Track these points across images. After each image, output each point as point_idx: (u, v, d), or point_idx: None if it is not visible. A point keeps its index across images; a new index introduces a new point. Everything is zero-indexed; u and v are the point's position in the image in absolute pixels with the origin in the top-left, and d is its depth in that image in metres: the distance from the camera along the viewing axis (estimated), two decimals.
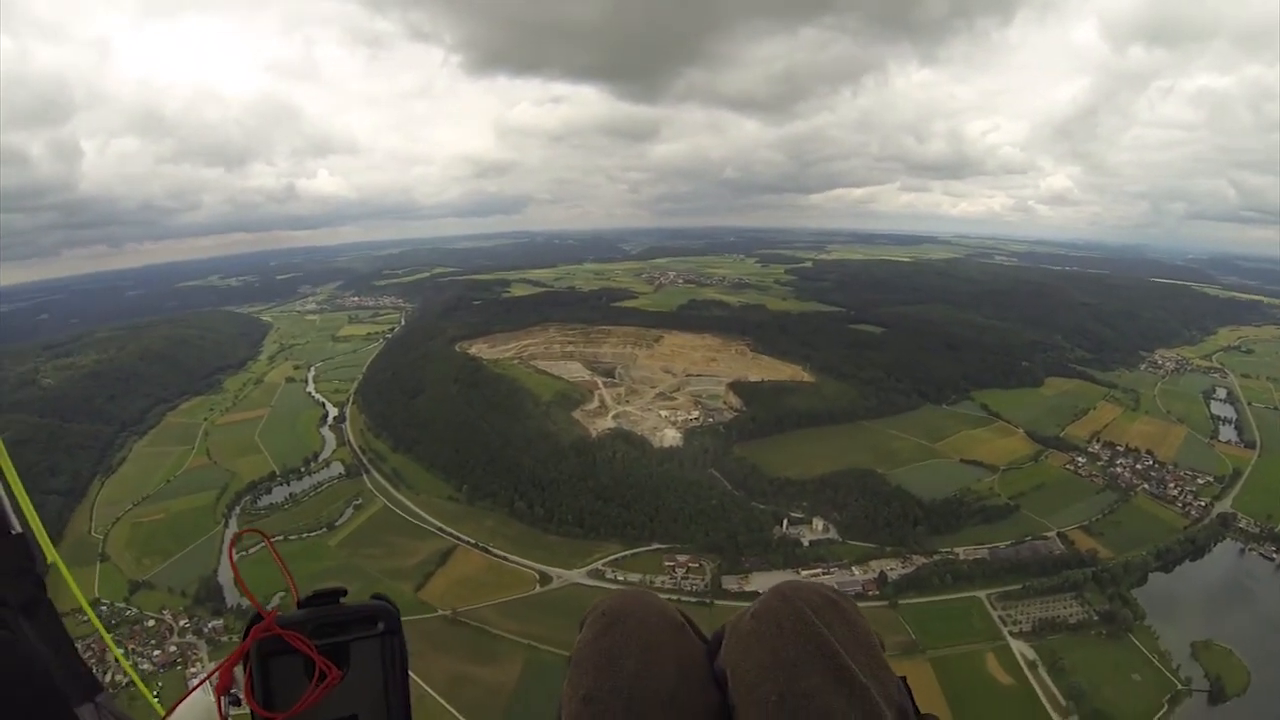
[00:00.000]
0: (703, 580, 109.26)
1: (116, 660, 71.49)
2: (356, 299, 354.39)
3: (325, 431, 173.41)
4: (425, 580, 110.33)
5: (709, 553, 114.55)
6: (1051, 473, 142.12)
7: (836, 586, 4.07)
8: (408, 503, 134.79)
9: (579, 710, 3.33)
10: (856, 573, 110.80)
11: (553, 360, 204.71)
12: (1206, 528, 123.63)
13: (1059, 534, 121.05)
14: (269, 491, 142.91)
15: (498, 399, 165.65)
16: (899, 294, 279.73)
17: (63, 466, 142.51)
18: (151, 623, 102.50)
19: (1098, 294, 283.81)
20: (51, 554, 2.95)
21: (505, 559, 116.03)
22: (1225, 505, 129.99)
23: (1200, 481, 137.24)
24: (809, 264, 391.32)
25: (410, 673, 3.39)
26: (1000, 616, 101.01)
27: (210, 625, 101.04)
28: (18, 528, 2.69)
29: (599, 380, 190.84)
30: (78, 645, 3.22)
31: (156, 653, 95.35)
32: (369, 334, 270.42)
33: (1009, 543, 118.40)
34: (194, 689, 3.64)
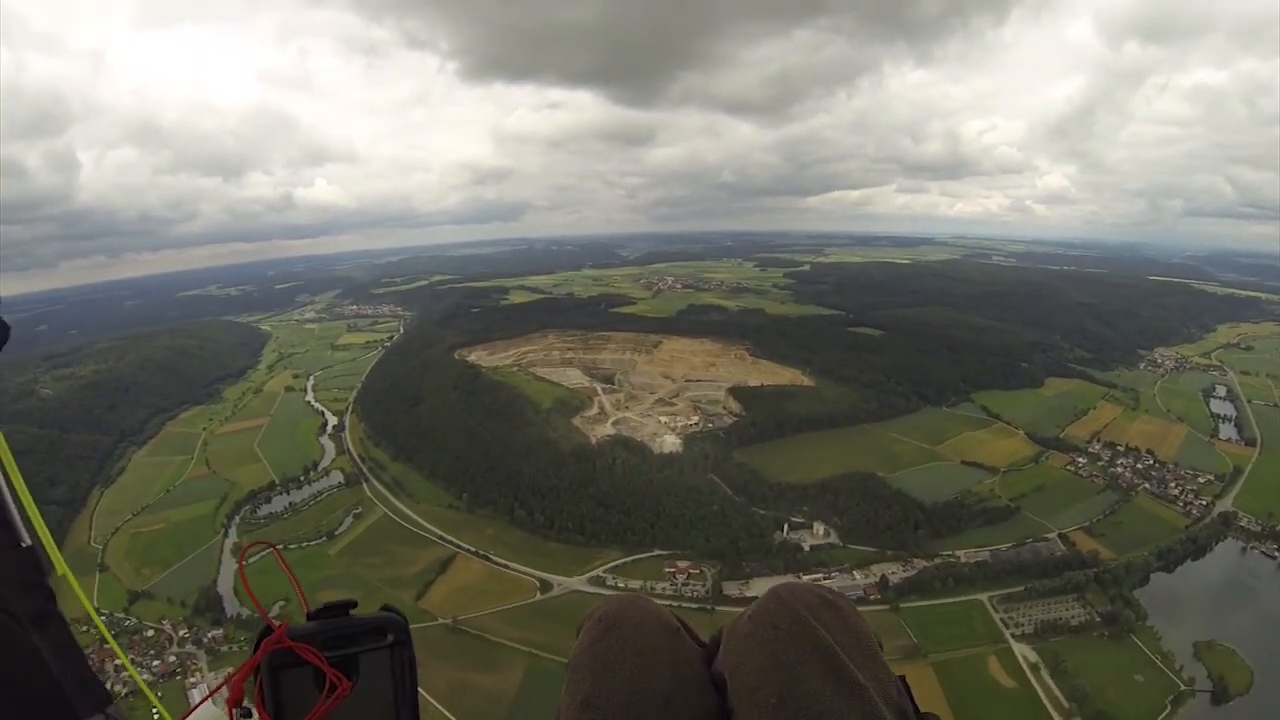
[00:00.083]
0: (704, 586, 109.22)
1: (115, 670, 71.56)
2: (355, 307, 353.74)
3: (325, 440, 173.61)
4: (426, 589, 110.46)
5: (710, 559, 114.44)
6: (1052, 474, 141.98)
7: (836, 589, 4.04)
8: (408, 511, 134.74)
9: (577, 716, 3.29)
10: (858, 577, 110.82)
11: (552, 367, 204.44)
12: (1208, 527, 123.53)
13: (1060, 535, 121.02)
14: (269, 501, 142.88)
15: (497, 406, 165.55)
16: (898, 296, 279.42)
17: (62, 477, 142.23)
18: (151, 633, 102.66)
19: (1096, 293, 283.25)
20: (61, 566, 2.93)
21: (506, 567, 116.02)
22: (1226, 504, 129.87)
23: (1201, 480, 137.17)
24: (807, 267, 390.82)
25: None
26: (1002, 619, 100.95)
27: (210, 635, 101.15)
28: (27, 540, 2.73)
29: (598, 387, 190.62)
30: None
31: (156, 663, 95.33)
32: (368, 342, 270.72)
33: (1010, 545, 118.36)
34: (204, 700, 3.62)
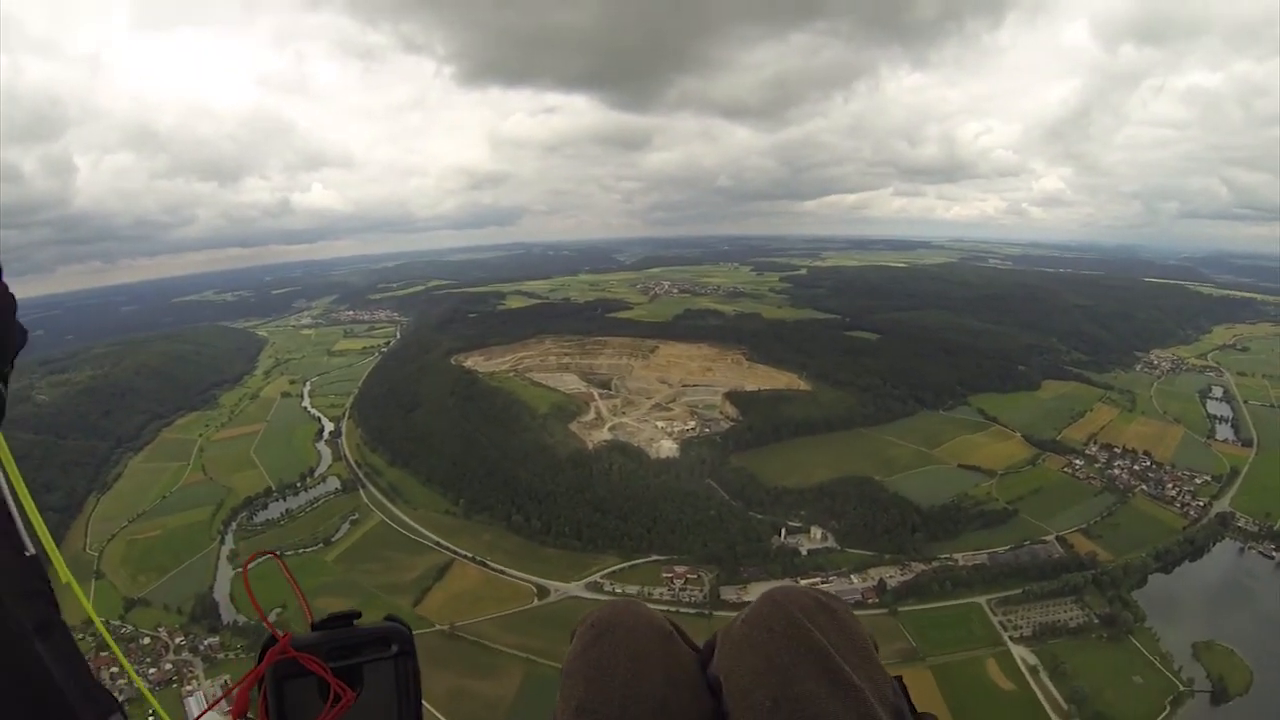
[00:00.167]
0: (701, 591, 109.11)
1: (112, 678, 71.25)
2: (352, 313, 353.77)
3: (321, 446, 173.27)
4: (423, 595, 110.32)
5: (707, 563, 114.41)
6: (1049, 476, 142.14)
7: (831, 592, 3.99)
8: (404, 517, 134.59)
9: None
10: (855, 581, 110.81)
11: (549, 372, 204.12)
12: (1205, 527, 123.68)
13: (1058, 537, 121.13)
14: (265, 507, 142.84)
15: (494, 412, 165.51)
16: (894, 300, 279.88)
17: (58, 483, 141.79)
18: (147, 640, 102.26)
19: (1092, 295, 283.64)
20: (66, 575, 2.93)
21: (503, 573, 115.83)
22: (1224, 504, 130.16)
23: (1198, 481, 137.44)
24: (804, 271, 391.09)
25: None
26: (1000, 622, 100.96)
27: (206, 642, 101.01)
28: (31, 549, 2.75)
29: (595, 392, 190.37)
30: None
31: (152, 670, 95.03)
32: (364, 348, 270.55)
33: (1008, 547, 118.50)
34: (207, 710, 3.58)
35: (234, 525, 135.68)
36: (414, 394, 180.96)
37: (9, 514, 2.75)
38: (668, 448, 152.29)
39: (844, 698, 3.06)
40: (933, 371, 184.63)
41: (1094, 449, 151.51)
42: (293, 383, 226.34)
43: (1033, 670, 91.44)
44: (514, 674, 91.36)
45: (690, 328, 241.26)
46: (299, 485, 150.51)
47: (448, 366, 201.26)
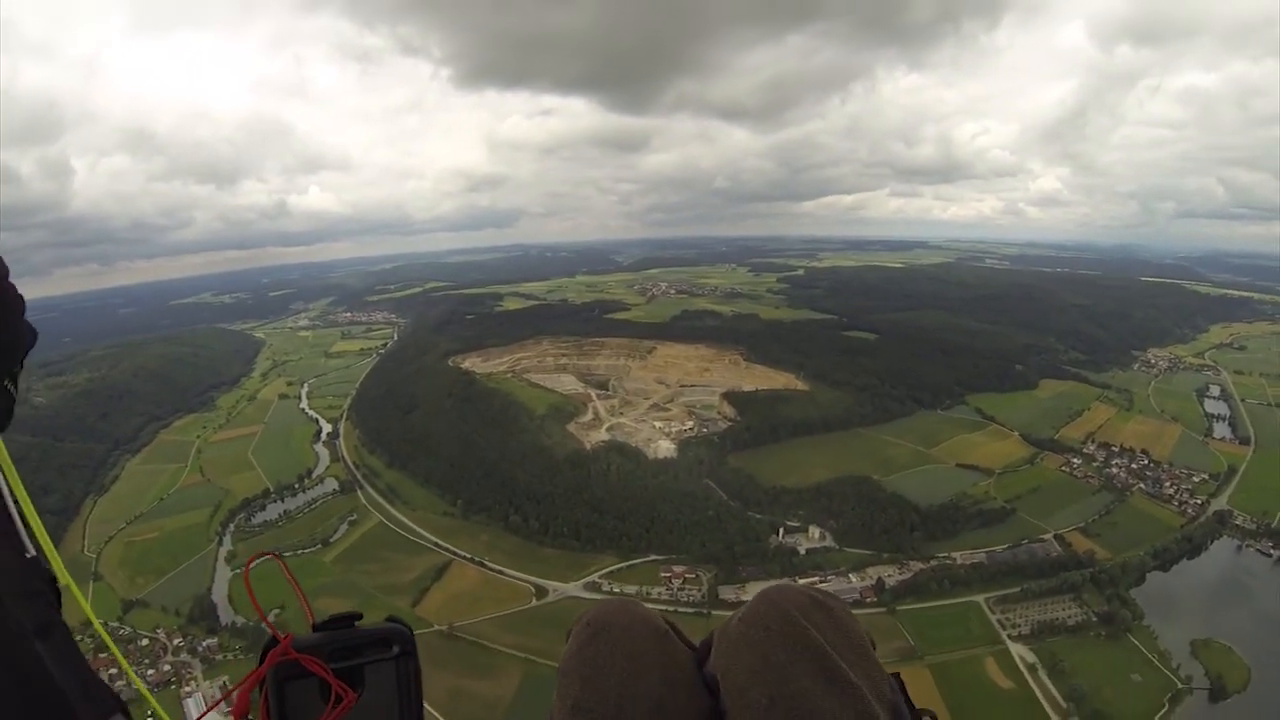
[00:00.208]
0: (700, 591, 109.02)
1: (110, 680, 71.06)
2: (349, 315, 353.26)
3: (319, 448, 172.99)
4: (421, 595, 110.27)
5: (705, 563, 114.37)
6: (1047, 475, 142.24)
7: (827, 590, 4.02)
8: (403, 518, 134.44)
9: None
10: (854, 580, 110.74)
11: (546, 373, 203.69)
12: (1203, 525, 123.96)
13: (1056, 536, 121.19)
14: (263, 509, 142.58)
15: (492, 413, 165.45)
16: (891, 300, 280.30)
17: (55, 485, 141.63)
18: (145, 641, 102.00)
19: (1090, 295, 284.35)
20: (65, 577, 2.94)
21: (501, 573, 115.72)
22: (1221, 502, 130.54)
23: (1196, 479, 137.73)
24: (801, 272, 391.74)
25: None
26: (999, 620, 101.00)
27: (205, 644, 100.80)
28: (32, 551, 2.76)
29: (593, 393, 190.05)
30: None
31: (150, 672, 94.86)
32: (362, 349, 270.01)
33: (1006, 546, 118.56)
34: (208, 710, 3.60)
35: (232, 527, 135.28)
36: (412, 395, 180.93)
37: (9, 515, 2.82)
38: (665, 448, 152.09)
39: (840, 694, 3.06)
40: (930, 371, 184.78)
41: (1092, 448, 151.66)
42: (290, 384, 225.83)
43: (1031, 668, 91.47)
44: (513, 674, 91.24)
45: (688, 328, 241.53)
46: (297, 487, 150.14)
47: (445, 368, 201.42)
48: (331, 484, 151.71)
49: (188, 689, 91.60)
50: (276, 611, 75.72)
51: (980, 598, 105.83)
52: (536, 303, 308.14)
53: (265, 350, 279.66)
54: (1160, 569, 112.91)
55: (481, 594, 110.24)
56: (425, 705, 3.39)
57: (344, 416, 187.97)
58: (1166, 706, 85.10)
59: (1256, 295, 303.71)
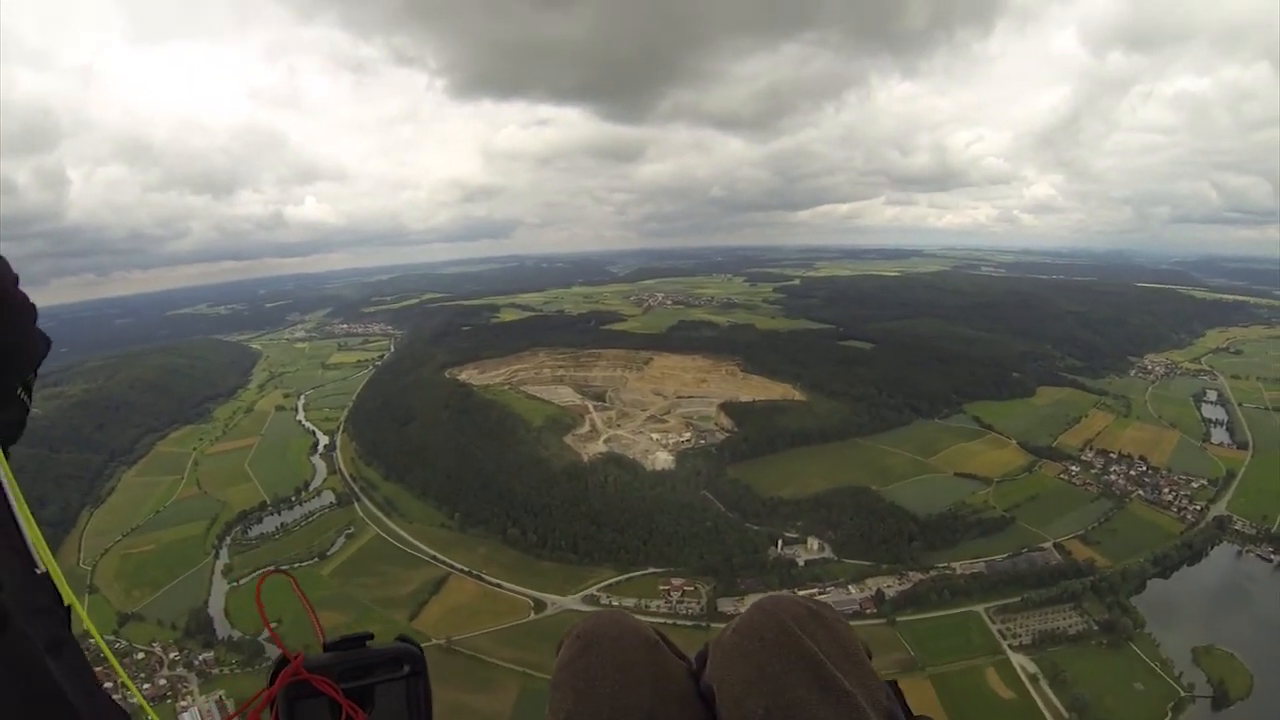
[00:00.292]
0: (698, 603, 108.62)
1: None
2: (345, 326, 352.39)
3: (316, 460, 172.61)
4: (419, 609, 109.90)
5: (704, 575, 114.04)
6: (1046, 483, 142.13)
7: (829, 603, 3.91)
8: (400, 531, 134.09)
9: None
10: (853, 591, 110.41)
11: (543, 385, 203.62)
12: (1203, 531, 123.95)
13: (1055, 544, 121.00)
14: (260, 521, 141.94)
15: (489, 425, 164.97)
16: (888, 309, 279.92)
17: (51, 497, 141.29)
18: (141, 655, 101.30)
19: (1085, 301, 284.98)
20: (69, 596, 2.97)
21: (499, 586, 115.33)
22: (1220, 508, 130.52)
23: (1195, 485, 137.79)
24: (797, 281, 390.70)
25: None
26: (999, 630, 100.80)
27: (201, 658, 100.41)
28: (42, 567, 2.79)
29: (589, 404, 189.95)
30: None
31: (146, 686, 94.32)
32: (358, 361, 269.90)
33: (1006, 555, 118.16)
34: None
35: (228, 540, 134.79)
36: (408, 407, 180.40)
37: (19, 532, 2.83)
38: (663, 460, 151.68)
39: (836, 704, 3.10)
40: (927, 380, 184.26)
41: (1090, 455, 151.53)
42: (287, 396, 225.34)
43: (1033, 678, 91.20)
44: (510, 688, 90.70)
45: (684, 339, 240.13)
46: (294, 499, 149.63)
47: (442, 380, 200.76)
48: (329, 496, 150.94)
49: (183, 703, 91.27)
50: (275, 625, 75.09)
51: (980, 608, 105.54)
52: (533, 314, 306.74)
53: (262, 362, 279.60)
54: (1161, 576, 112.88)
55: (479, 607, 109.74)
56: None
57: (341, 429, 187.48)
58: (1169, 715, 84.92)
59: (1252, 299, 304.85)
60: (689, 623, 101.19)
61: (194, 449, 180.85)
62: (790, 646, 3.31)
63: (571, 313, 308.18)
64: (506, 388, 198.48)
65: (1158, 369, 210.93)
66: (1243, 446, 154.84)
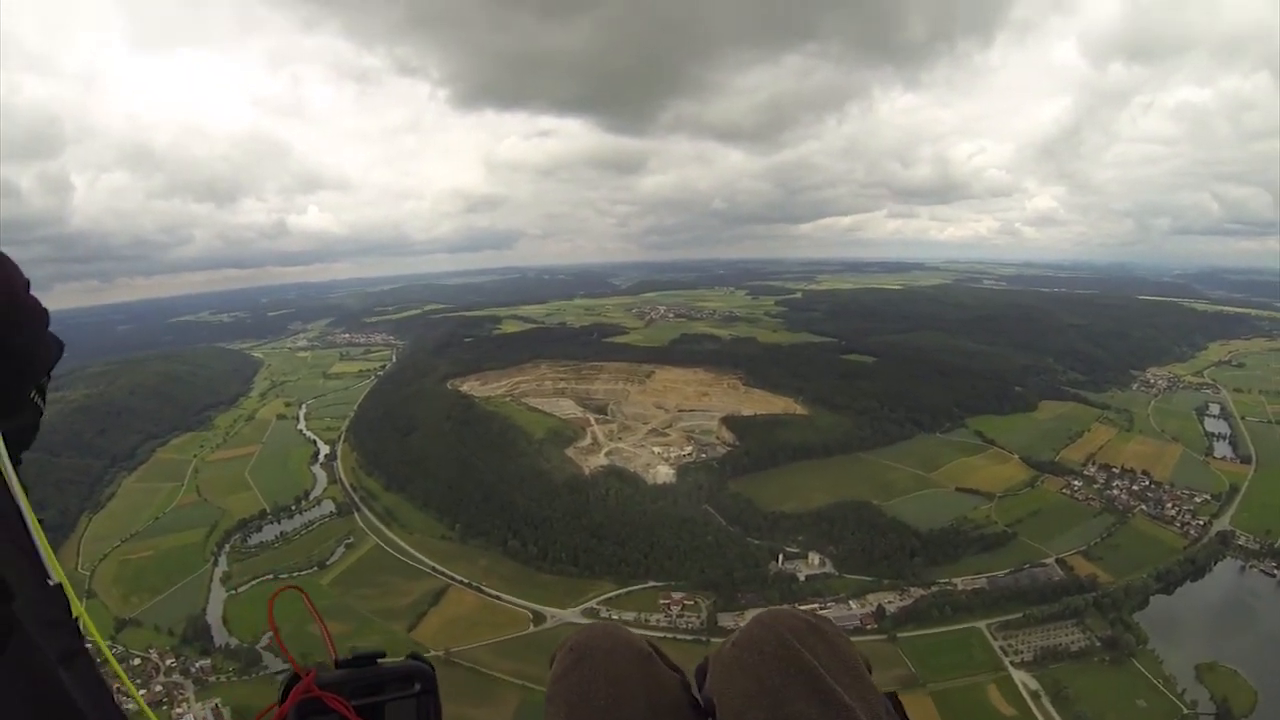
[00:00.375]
0: (699, 617, 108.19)
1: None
2: (348, 336, 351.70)
3: (316, 469, 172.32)
4: (418, 620, 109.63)
5: (704, 590, 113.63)
6: (1048, 498, 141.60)
7: (830, 618, 3.88)
8: (400, 541, 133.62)
9: None
10: (854, 606, 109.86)
11: (545, 397, 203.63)
12: (1206, 547, 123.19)
13: (1058, 560, 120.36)
14: (259, 530, 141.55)
15: (490, 437, 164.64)
16: (890, 322, 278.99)
17: (51, 501, 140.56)
18: (138, 661, 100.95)
19: (1087, 314, 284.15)
20: (77, 608, 2.99)
21: (499, 598, 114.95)
22: (1224, 523, 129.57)
23: (1198, 500, 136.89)
24: (799, 295, 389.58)
25: None
26: (1001, 646, 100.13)
27: (198, 665, 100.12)
28: (55, 578, 2.80)
29: (591, 417, 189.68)
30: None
31: (142, 692, 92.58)
32: (360, 371, 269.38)
33: (1007, 571, 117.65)
34: None
35: (227, 547, 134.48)
36: (410, 418, 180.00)
37: (32, 543, 2.83)
38: (664, 473, 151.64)
39: (836, 717, 3.12)
40: (929, 394, 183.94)
41: (1092, 469, 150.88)
42: (288, 405, 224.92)
43: (1034, 695, 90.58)
44: (509, 701, 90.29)
45: (686, 352, 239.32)
46: (293, 508, 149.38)
47: (444, 391, 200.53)
48: (329, 506, 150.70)
49: (179, 710, 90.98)
50: (267, 636, 74.67)
51: (982, 624, 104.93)
52: (535, 326, 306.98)
53: (263, 370, 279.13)
54: (1164, 592, 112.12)
55: (479, 619, 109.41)
56: None
57: (342, 438, 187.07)
58: None
59: (1254, 311, 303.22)
60: (689, 637, 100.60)
61: (195, 456, 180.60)
62: (790, 660, 3.32)
63: (573, 325, 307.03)
64: (508, 400, 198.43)
65: (1160, 383, 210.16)
66: (1246, 461, 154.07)
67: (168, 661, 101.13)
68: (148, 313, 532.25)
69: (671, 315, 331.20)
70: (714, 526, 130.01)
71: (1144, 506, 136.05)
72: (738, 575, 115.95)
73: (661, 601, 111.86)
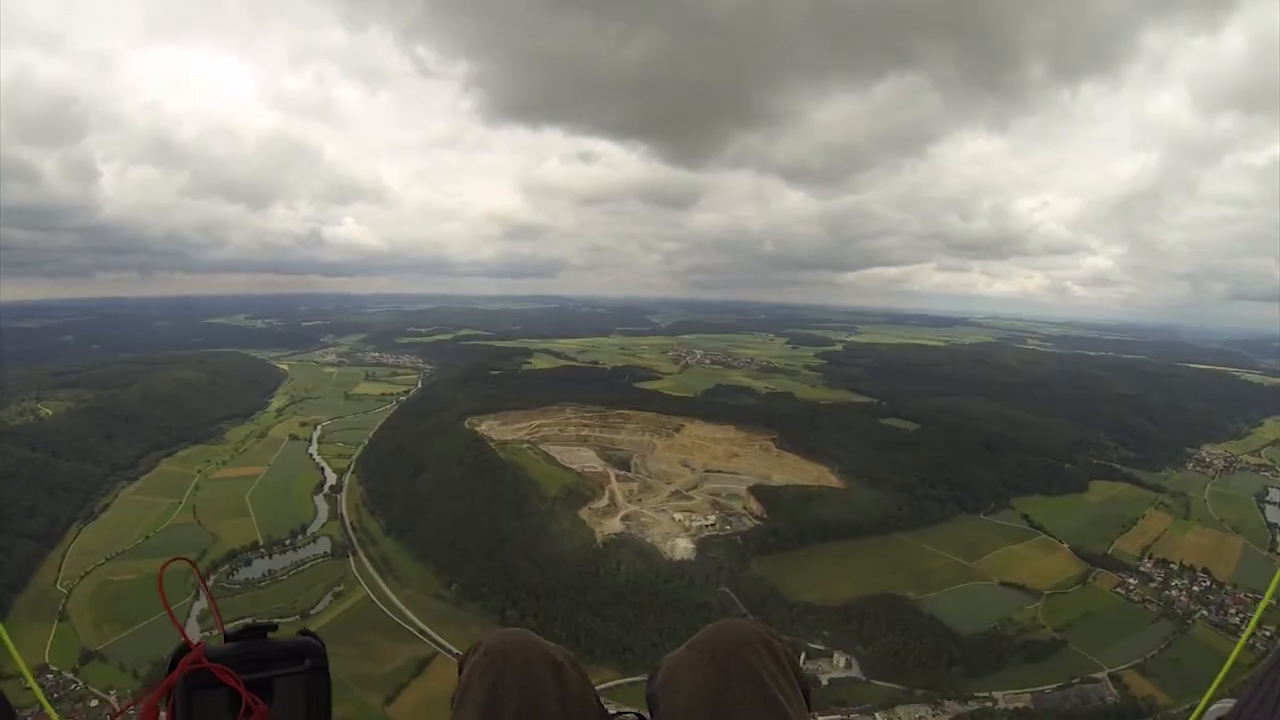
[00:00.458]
0: None
1: None
2: (377, 355, 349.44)
3: (319, 500, 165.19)
4: (397, 692, 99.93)
5: None
6: (1101, 598, 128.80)
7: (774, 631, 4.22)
8: (391, 596, 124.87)
9: None
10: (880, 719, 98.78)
11: (566, 445, 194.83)
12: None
13: (1110, 675, 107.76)
14: (248, 563, 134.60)
15: (501, 489, 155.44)
16: (932, 383, 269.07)
17: (42, 507, 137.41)
18: (95, 702, 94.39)
19: (1137, 383, 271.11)
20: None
21: None
22: None
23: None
24: (840, 347, 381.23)
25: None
26: None
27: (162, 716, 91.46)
28: None
29: (612, 473, 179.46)
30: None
31: None
32: (383, 394, 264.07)
33: (1055, 686, 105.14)
34: (115, 718, 3.55)
35: (212, 581, 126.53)
36: (421, 456, 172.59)
37: None
38: (683, 547, 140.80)
39: None
40: (973, 469, 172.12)
41: (1149, 564, 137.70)
42: (303, 425, 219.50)
43: None
44: None
45: (719, 406, 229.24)
46: (288, 543, 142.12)
47: (461, 430, 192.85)
48: (325, 544, 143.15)
49: None
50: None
51: None
52: (566, 363, 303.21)
53: (286, 384, 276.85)
54: None
55: None
56: None
57: (351, 468, 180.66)
58: None
59: None
60: None
61: (199, 471, 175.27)
62: (739, 665, 3.58)
63: (605, 365, 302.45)
64: (526, 445, 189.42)
65: (1217, 462, 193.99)
66: None
67: (129, 709, 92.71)
68: (185, 310, 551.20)
69: (708, 361, 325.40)
70: (732, 614, 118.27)
71: (1205, 611, 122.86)
72: None
73: None
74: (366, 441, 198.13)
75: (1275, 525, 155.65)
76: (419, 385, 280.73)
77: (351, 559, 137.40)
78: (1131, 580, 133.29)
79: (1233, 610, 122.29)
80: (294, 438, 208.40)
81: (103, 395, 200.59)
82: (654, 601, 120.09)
